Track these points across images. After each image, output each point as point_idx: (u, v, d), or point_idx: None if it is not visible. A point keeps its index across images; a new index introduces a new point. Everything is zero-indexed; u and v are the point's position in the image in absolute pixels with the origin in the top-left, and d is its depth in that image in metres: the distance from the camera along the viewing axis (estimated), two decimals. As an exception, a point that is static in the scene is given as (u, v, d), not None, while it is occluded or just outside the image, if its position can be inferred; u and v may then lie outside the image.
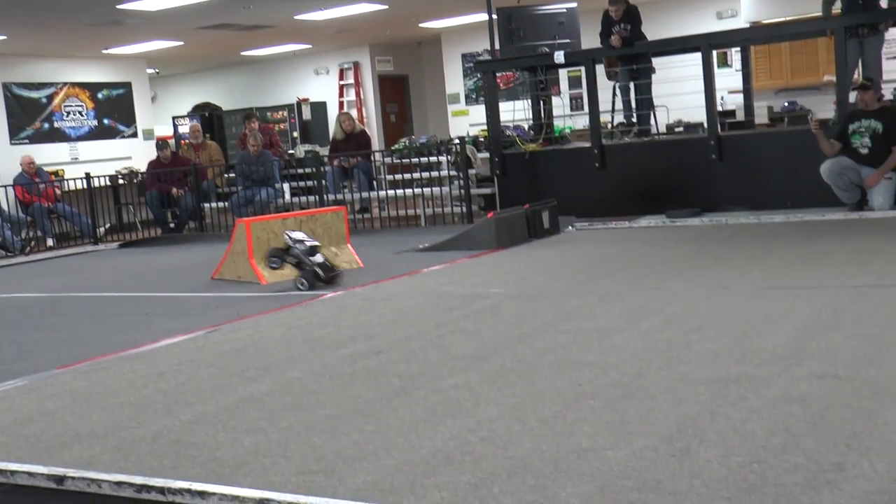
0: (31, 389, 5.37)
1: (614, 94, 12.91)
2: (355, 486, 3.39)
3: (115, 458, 3.97)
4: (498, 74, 13.53)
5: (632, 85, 12.55)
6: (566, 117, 14.27)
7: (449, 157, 13.60)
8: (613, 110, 13.03)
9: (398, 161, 14.66)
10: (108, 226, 15.56)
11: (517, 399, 4.31)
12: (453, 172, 13.38)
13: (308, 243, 8.15)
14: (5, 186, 14.74)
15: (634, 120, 12.84)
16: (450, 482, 3.34)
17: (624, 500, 3.03)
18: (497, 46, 13.16)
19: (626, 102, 12.78)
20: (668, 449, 3.44)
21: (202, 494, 3.39)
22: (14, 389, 5.40)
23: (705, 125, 11.96)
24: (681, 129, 13.45)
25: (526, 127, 13.43)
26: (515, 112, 12.98)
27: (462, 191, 12.97)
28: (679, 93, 12.20)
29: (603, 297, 6.72)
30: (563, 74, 16.38)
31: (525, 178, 12.22)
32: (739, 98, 13.72)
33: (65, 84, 16.98)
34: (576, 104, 16.44)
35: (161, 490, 3.46)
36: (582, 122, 14.31)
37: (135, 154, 17.70)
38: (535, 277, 8.02)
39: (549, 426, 3.85)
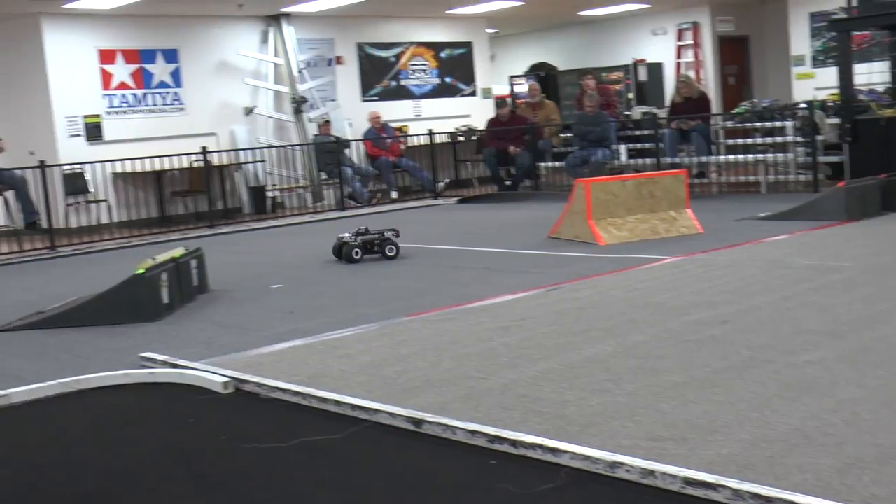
0: (384, 334, 5.66)
1: None
2: (709, 458, 3.29)
3: (465, 406, 4.09)
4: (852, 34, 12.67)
5: None
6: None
7: (794, 122, 12.94)
8: None
9: (738, 125, 14.14)
10: (446, 181, 16.12)
11: (881, 382, 4.03)
12: (798, 138, 12.73)
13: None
14: (356, 140, 15.61)
15: None
16: (811, 464, 3.17)
17: None
18: (854, 3, 12.31)
19: None
20: None
21: (553, 451, 3.41)
22: (370, 333, 5.71)
23: None
24: None
25: (881, 91, 12.52)
26: (871, 75, 12.10)
27: (808, 158, 12.33)
28: None
29: (973, 277, 6.16)
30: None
31: (879, 145, 11.37)
32: None
33: (411, 44, 17.66)
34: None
35: (513, 443, 3.52)
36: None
37: (473, 112, 18.17)
38: (892, 252, 7.49)
39: (922, 414, 3.57)
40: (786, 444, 3.37)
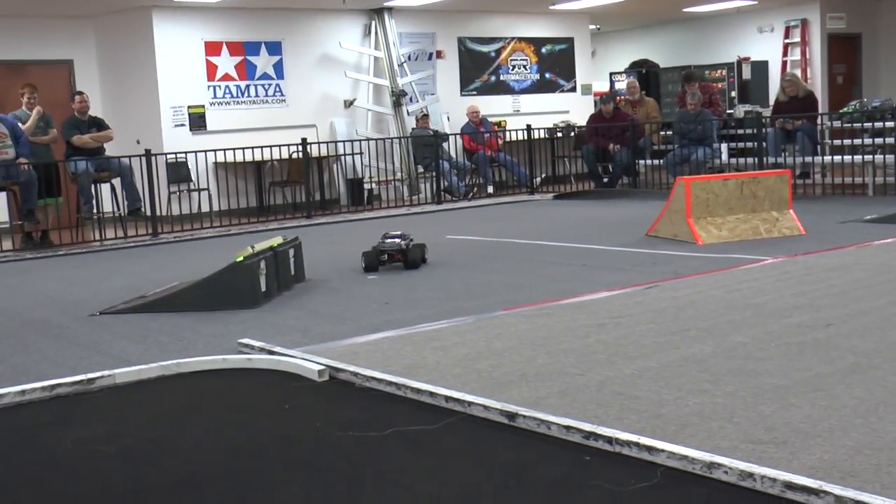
0: (479, 327, 5.64)
1: None
2: (810, 463, 3.21)
3: (561, 402, 4.06)
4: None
5: None
6: None
7: (905, 122, 12.57)
8: None
9: (846, 125, 13.77)
10: (543, 176, 16.04)
11: None
12: (909, 139, 12.36)
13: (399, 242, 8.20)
14: (454, 134, 15.63)
15: None
16: (922, 474, 3.06)
17: None
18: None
19: None
20: None
21: (650, 450, 3.36)
22: (465, 326, 5.70)
23: None
24: None
25: None
26: None
27: (918, 160, 11.97)
28: None
29: None
30: None
31: None
32: None
33: (512, 39, 17.61)
34: None
35: (609, 440, 3.48)
36: None
37: (572, 108, 18.04)
38: None
39: None
40: (893, 453, 3.26)
